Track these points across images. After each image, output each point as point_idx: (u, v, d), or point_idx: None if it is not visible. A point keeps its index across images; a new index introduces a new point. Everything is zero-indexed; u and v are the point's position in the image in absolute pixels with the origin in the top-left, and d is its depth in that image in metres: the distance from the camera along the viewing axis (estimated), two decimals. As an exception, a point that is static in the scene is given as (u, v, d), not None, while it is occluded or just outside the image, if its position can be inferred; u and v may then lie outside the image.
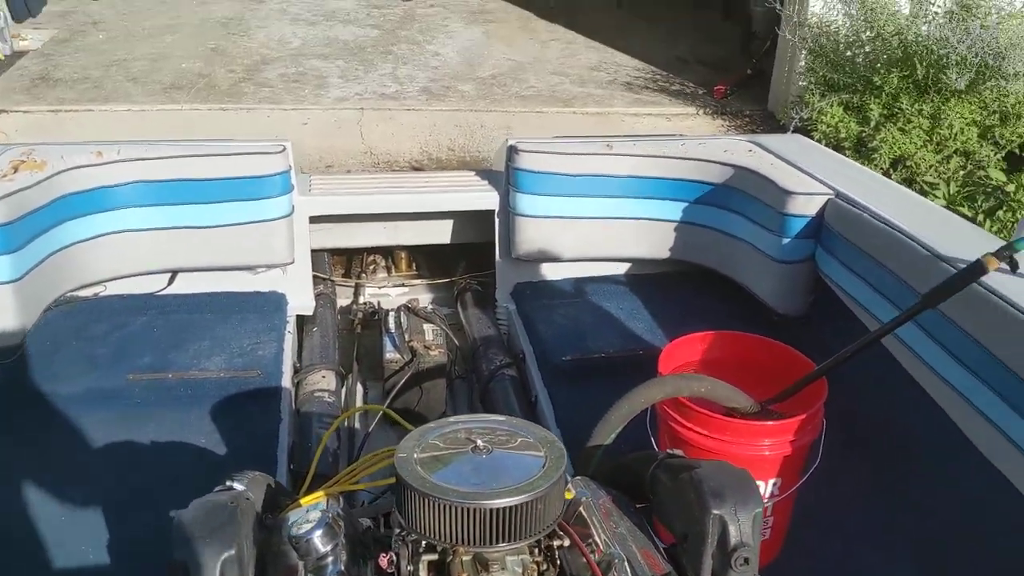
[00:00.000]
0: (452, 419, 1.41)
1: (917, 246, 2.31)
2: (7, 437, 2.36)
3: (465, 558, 1.24)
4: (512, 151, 3.06)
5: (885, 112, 5.31)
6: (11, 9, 7.36)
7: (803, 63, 5.89)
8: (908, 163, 5.19)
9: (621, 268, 3.27)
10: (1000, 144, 5.24)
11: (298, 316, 3.11)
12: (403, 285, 3.56)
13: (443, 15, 8.68)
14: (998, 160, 5.20)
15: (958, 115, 5.13)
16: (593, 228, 3.13)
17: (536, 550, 1.30)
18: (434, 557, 1.27)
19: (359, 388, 3.09)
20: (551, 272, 3.24)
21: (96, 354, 2.68)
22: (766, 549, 2.01)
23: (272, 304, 3.03)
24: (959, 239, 2.33)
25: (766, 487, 1.99)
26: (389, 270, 3.60)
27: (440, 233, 3.37)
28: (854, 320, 2.59)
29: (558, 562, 1.31)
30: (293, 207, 2.98)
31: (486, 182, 3.26)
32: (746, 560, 1.30)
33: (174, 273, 3.02)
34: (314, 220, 3.11)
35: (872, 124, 5.31)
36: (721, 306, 2.99)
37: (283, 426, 2.45)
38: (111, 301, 2.95)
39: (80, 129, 5.74)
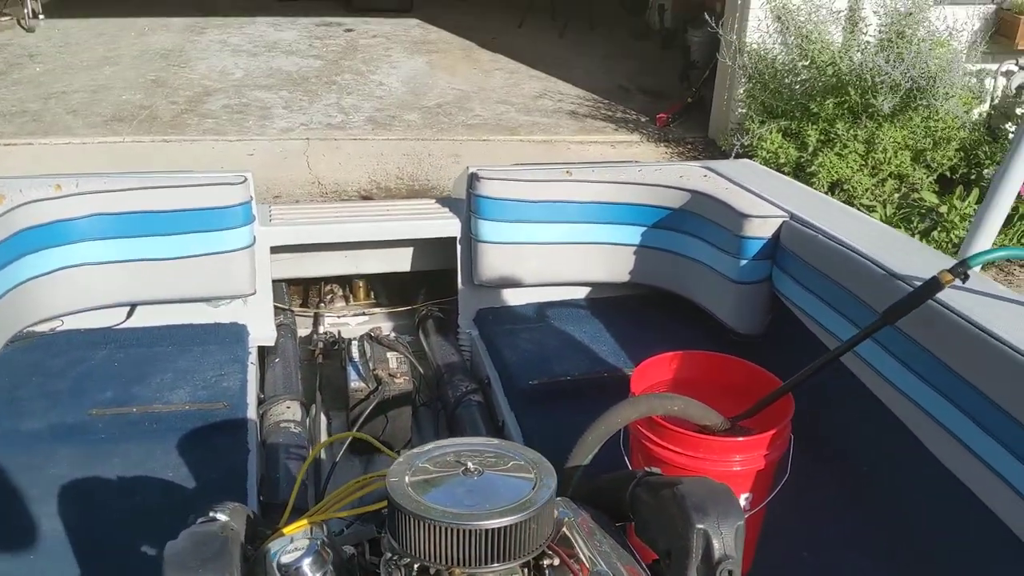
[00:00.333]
0: (440, 443, 1.42)
1: (871, 264, 2.40)
2: None
3: None
4: (473, 178, 3.09)
5: (822, 137, 5.49)
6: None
7: (742, 91, 6.06)
8: (845, 186, 5.38)
9: (583, 292, 3.31)
10: (932, 167, 5.47)
11: (259, 347, 3.09)
12: (363, 314, 3.55)
13: (385, 45, 8.70)
14: (930, 183, 5.43)
15: (891, 139, 5.34)
16: (554, 253, 3.17)
17: (527, 569, 1.31)
18: None
19: (323, 418, 3.06)
20: (513, 298, 3.27)
21: (56, 389, 2.62)
22: (739, 562, 2.05)
23: (233, 335, 3.00)
24: (910, 257, 2.43)
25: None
26: (347, 299, 3.58)
27: (402, 261, 3.38)
28: (811, 337, 2.66)
29: None
30: (255, 238, 2.97)
31: (447, 210, 3.28)
32: (730, 573, 1.32)
33: (133, 306, 2.98)
34: (275, 250, 3.10)
35: (810, 149, 5.49)
36: (682, 327, 3.05)
37: (251, 457, 2.42)
38: (69, 335, 2.89)
39: (19, 163, 5.61)
